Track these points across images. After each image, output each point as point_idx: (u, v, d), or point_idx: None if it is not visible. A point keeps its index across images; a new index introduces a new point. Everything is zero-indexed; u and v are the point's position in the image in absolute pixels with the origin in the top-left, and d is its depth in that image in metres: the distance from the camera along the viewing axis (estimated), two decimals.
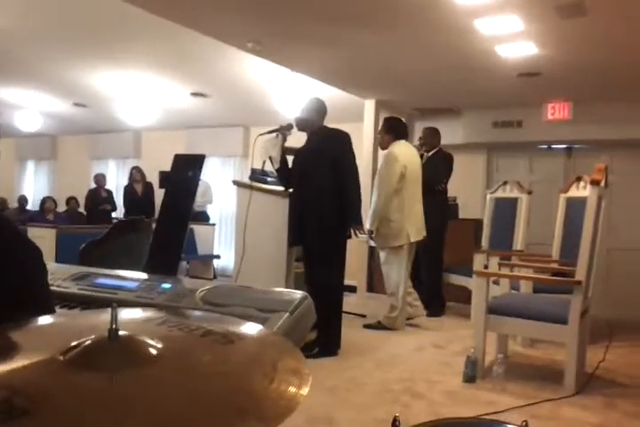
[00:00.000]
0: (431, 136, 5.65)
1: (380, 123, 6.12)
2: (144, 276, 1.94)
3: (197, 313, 0.95)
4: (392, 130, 4.89)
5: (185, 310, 0.96)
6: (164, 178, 6.84)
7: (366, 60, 4.91)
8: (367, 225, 4.67)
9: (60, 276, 1.90)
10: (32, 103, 8.21)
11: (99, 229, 5.10)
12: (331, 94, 6.03)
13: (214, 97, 7.16)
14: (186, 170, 2.09)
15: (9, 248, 1.05)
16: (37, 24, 5.31)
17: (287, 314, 1.58)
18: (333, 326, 3.91)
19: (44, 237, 5.51)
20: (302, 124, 4.03)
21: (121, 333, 0.63)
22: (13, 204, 9.81)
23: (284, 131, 4.04)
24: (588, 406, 2.99)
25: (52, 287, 1.67)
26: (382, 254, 4.82)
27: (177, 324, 0.76)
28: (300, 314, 1.64)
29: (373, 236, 4.74)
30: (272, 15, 4.01)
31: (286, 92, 6.33)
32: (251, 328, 0.81)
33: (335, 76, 5.51)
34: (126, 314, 0.79)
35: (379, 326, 4.75)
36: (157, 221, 2.18)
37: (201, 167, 2.15)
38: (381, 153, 5.03)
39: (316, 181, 3.88)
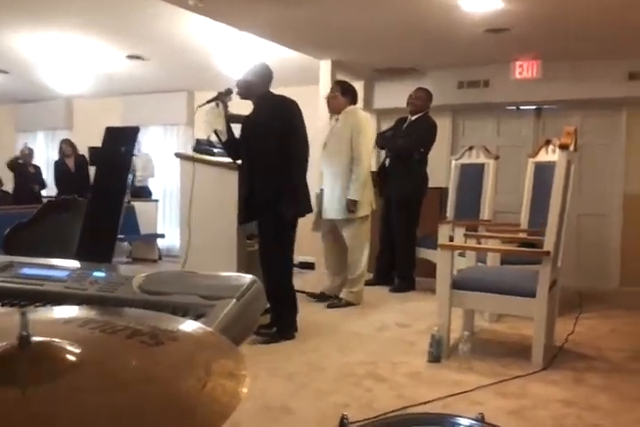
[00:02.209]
0: (423, 98, 5.65)
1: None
2: (76, 264, 1.90)
3: (127, 310, 0.93)
4: (349, 93, 4.96)
5: (114, 308, 0.95)
6: (95, 154, 6.64)
7: (320, 18, 4.84)
8: (351, 196, 4.76)
9: None
10: None
11: (27, 210, 4.96)
12: (283, 55, 5.95)
13: (153, 60, 6.96)
14: (118, 144, 2.04)
15: None
16: None
17: (234, 300, 1.57)
18: (285, 307, 3.91)
19: None
20: (244, 91, 3.91)
21: (34, 339, 0.62)
22: None
23: (223, 98, 3.96)
24: (557, 382, 3.11)
25: None
26: (349, 228, 4.88)
27: (101, 324, 0.74)
28: (248, 300, 1.63)
29: (354, 208, 4.79)
30: None
31: (233, 53, 6.22)
32: (186, 326, 0.81)
33: (287, 35, 5.42)
34: (43, 315, 0.77)
35: (342, 303, 4.82)
36: (89, 202, 2.13)
37: (134, 141, 2.10)
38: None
39: (262, 153, 3.83)
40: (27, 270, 1.80)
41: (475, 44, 5.43)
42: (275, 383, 3.04)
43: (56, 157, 8.22)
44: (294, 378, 3.14)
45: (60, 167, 7.95)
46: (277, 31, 5.29)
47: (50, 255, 1.97)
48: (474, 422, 0.92)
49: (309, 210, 4.05)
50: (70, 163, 7.90)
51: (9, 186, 8.56)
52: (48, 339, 0.63)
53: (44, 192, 8.29)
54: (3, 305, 1.55)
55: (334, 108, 4.95)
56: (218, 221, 4.16)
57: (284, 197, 3.76)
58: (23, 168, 8.28)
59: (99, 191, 2.07)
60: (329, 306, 4.82)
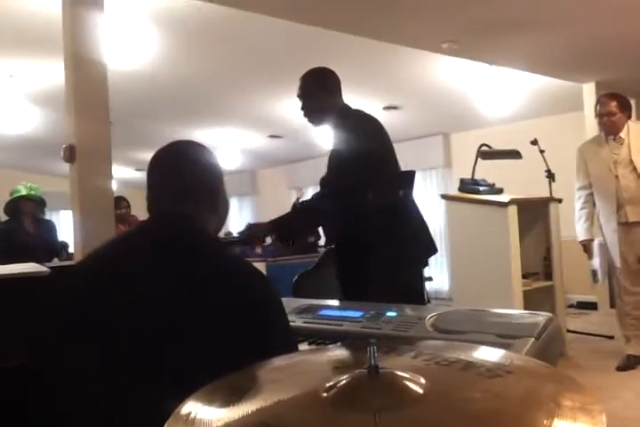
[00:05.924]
0: None
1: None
2: (367, 305, 2.00)
3: (448, 343, 0.94)
4: (628, 107, 4.06)
5: (431, 341, 0.97)
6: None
7: (580, 36, 4.55)
8: None
9: None
10: (230, 141, 9.03)
11: (305, 259, 5.42)
12: (538, 84, 5.77)
13: (407, 107, 7.22)
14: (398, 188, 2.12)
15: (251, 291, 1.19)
16: (232, 66, 5.85)
17: (533, 340, 1.51)
18: None
19: None
20: (318, 113, 2.80)
21: (382, 369, 0.65)
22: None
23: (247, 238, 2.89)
24: None
25: None
26: None
27: (432, 356, 0.76)
28: (547, 339, 1.55)
29: None
30: (467, 10, 3.95)
31: (485, 89, 6.18)
32: (516, 359, 0.79)
33: (544, 63, 5.22)
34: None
35: None
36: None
37: (412, 183, 2.17)
38: None
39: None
40: (325, 311, 1.94)
41: None
42: None
43: None
44: None
45: None
46: (533, 60, 5.14)
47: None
48: None
49: None
50: None
51: None
52: (393, 370, 0.66)
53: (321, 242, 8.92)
54: (310, 344, 1.68)
55: (613, 129, 3.97)
56: (488, 260, 4.07)
57: None
58: None
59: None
60: None
